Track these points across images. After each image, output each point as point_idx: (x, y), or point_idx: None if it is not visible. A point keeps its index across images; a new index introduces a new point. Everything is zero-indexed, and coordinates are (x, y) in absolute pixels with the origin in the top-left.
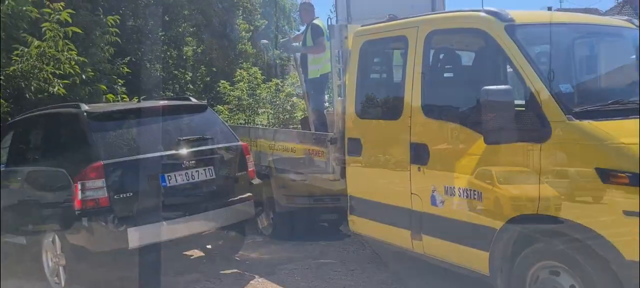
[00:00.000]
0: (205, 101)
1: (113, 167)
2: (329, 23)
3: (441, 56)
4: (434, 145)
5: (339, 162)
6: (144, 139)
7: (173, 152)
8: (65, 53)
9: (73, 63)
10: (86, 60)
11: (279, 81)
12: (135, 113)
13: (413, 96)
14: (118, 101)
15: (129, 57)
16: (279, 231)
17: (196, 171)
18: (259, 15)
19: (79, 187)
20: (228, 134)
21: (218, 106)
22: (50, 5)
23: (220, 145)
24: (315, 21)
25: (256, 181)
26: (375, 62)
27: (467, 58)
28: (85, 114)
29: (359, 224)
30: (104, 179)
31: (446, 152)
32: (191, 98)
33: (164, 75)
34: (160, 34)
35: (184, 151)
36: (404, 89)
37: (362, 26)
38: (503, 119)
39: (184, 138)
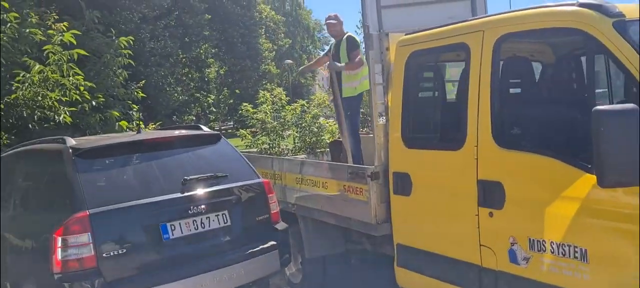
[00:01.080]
0: (230, 122)
1: (102, 217)
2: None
3: (518, 66)
4: (513, 183)
5: (382, 202)
6: (142, 180)
7: (177, 195)
8: (71, 78)
9: (82, 88)
10: (94, 85)
11: (304, 102)
12: (132, 147)
13: (480, 120)
14: (133, 128)
15: (143, 80)
16: (309, 281)
17: (207, 218)
18: (282, 34)
19: (59, 243)
20: (246, 169)
21: (241, 130)
22: (53, 26)
23: (236, 184)
24: (348, 34)
25: (281, 226)
26: (426, 77)
27: (554, 67)
28: (70, 150)
29: (408, 279)
30: (90, 233)
31: (531, 192)
32: (202, 127)
33: (186, 98)
34: (181, 56)
35: (191, 193)
36: (467, 110)
37: (406, 34)
38: (626, 153)
39: (191, 177)
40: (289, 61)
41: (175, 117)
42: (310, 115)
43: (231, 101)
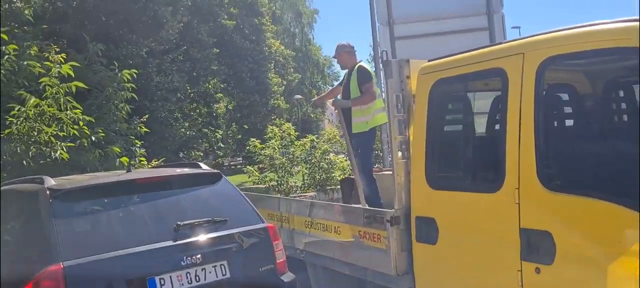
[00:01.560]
0: (239, 158)
1: (80, 271)
2: (375, 58)
3: (566, 94)
4: (564, 233)
5: (403, 251)
6: (128, 226)
7: (169, 243)
8: (68, 112)
9: (82, 124)
10: (93, 120)
11: (314, 137)
12: (119, 188)
13: (522, 157)
14: (135, 165)
15: (147, 115)
16: None
17: (202, 269)
18: (291, 69)
19: None
20: (249, 212)
21: (248, 167)
22: (51, 57)
23: (237, 230)
24: (360, 63)
25: (288, 277)
26: (453, 109)
27: (610, 94)
28: (47, 191)
29: None
30: None
31: (587, 245)
32: (201, 165)
33: (193, 133)
34: (189, 91)
35: (185, 241)
36: (505, 146)
37: (429, 61)
38: None
39: (185, 222)
40: (299, 96)
41: (182, 153)
42: (320, 151)
43: (239, 136)
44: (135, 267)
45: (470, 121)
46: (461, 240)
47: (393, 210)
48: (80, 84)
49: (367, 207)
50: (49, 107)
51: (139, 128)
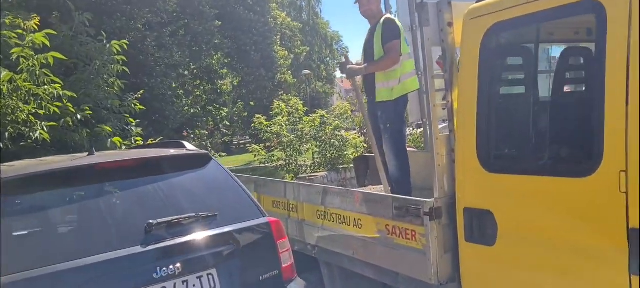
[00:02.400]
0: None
1: None
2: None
3: None
4: None
5: (447, 252)
6: (86, 228)
7: (138, 249)
8: (46, 87)
9: (65, 100)
10: (75, 95)
11: (324, 113)
12: (76, 177)
13: (631, 128)
14: (130, 145)
15: (141, 91)
16: None
17: (183, 282)
18: (299, 42)
19: None
20: (245, 203)
21: (253, 145)
22: (23, 24)
23: (230, 228)
24: (387, 16)
25: (298, 284)
26: (517, 64)
27: None
28: None
29: None
30: None
31: None
32: (186, 144)
33: (197, 111)
34: (193, 67)
35: (159, 246)
36: (602, 112)
37: (478, 1)
38: None
39: (160, 221)
40: (307, 71)
41: (186, 131)
42: (331, 127)
43: (245, 114)
44: (93, 282)
45: (542, 79)
46: (531, 242)
47: (432, 199)
48: (58, 55)
49: (398, 196)
50: (24, 81)
51: (133, 105)
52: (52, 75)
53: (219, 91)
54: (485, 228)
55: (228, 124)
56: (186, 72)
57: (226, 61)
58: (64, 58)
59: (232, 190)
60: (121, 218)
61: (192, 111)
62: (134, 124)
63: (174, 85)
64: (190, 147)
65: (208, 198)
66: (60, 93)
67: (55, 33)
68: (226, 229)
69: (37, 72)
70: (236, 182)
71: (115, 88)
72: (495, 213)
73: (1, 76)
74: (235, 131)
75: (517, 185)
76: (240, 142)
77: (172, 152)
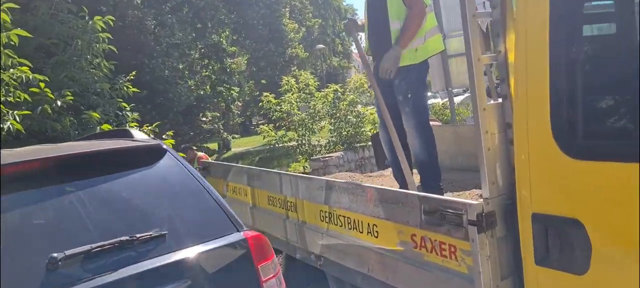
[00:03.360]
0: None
1: None
2: None
3: None
4: None
5: (505, 278)
6: None
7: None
8: (13, 71)
9: (43, 85)
10: (46, 79)
11: (338, 86)
12: None
13: None
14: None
15: (134, 72)
16: None
17: None
18: (309, 14)
19: None
20: (213, 212)
21: (261, 126)
22: None
23: (188, 252)
24: None
25: None
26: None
27: None
28: None
29: None
30: None
31: None
32: (135, 131)
33: (205, 92)
34: (199, 46)
35: (83, 280)
36: None
37: None
38: None
39: (71, 252)
40: (321, 46)
41: (196, 114)
42: (346, 103)
43: (257, 93)
44: None
45: None
46: None
47: (480, 201)
48: (22, 32)
49: (428, 195)
50: None
51: (125, 88)
52: (16, 57)
53: (228, 70)
54: (570, 247)
55: (240, 104)
56: (192, 52)
57: (234, 38)
58: (28, 35)
59: (193, 194)
60: (11, 252)
61: (201, 92)
62: (128, 109)
63: (178, 66)
64: (140, 136)
65: (157, 209)
66: (30, 77)
67: (17, 7)
68: (179, 255)
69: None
70: (199, 181)
71: (104, 70)
72: (586, 224)
73: None
74: (253, 111)
75: (623, 179)
76: (260, 122)
77: (107, 145)
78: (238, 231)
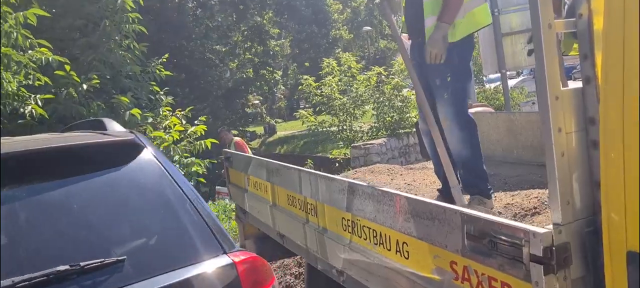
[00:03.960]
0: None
1: None
2: None
3: None
4: None
5: None
6: None
7: None
8: (32, 53)
9: (69, 68)
10: (67, 61)
11: (381, 69)
12: None
13: None
14: (151, 117)
15: (166, 55)
16: None
17: None
18: None
19: None
20: (195, 227)
21: (300, 110)
22: None
23: (155, 281)
24: None
25: None
26: None
27: None
28: None
29: None
30: None
31: None
32: (110, 123)
33: (247, 76)
34: (242, 28)
35: None
36: None
37: None
38: None
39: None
40: (368, 28)
41: (237, 98)
42: (390, 86)
43: (300, 76)
44: None
45: None
46: None
47: (548, 228)
48: (40, 11)
49: (473, 213)
50: (5, 47)
51: (157, 71)
52: (32, 37)
53: (271, 53)
54: None
55: (284, 88)
56: (232, 34)
57: (276, 19)
58: (46, 14)
59: (171, 204)
60: None
61: (243, 76)
62: (161, 93)
63: (218, 48)
64: (115, 128)
65: (118, 224)
66: (49, 58)
67: None
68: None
69: (17, 35)
70: (182, 187)
71: (136, 52)
72: None
73: None
74: (300, 95)
75: None
76: (306, 106)
77: (63, 140)
78: (225, 251)
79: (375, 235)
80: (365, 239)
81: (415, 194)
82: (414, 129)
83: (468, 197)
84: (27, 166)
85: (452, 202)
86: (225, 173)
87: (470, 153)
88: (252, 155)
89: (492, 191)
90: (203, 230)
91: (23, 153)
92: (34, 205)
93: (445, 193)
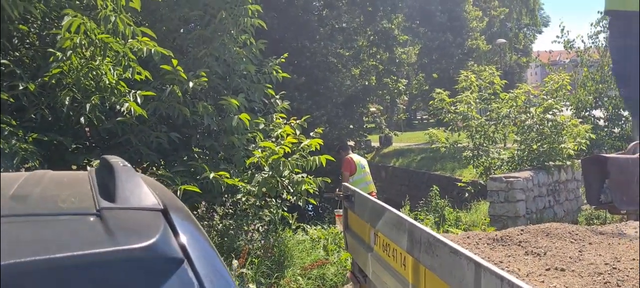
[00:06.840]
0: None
1: None
2: None
3: None
4: None
5: None
6: None
7: None
8: (132, 42)
9: (175, 63)
10: (170, 54)
11: (530, 87)
12: None
13: None
14: (263, 123)
15: (285, 54)
16: None
17: None
18: (496, 2)
19: None
20: None
21: (430, 130)
22: None
23: None
24: None
25: None
26: None
27: None
28: None
29: None
30: None
31: None
32: (116, 161)
33: (369, 83)
34: (368, 31)
35: None
36: None
37: None
38: None
39: None
40: (502, 40)
41: (355, 106)
42: (541, 109)
43: (426, 87)
44: None
45: None
46: None
47: None
48: None
49: None
50: (100, 33)
51: (274, 71)
52: (133, 25)
53: (397, 61)
54: None
55: (406, 98)
56: (358, 37)
57: (406, 25)
58: None
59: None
60: None
61: (366, 83)
62: (277, 97)
63: (342, 52)
64: (119, 162)
65: None
66: (152, 50)
67: None
68: None
69: (116, 20)
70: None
71: (253, 50)
72: None
73: (66, 22)
74: (420, 105)
75: None
76: (423, 117)
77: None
78: None
79: None
80: None
81: None
82: (569, 163)
83: None
84: None
85: None
86: (343, 216)
87: None
88: (385, 206)
89: None
90: None
91: None
92: None
93: None
